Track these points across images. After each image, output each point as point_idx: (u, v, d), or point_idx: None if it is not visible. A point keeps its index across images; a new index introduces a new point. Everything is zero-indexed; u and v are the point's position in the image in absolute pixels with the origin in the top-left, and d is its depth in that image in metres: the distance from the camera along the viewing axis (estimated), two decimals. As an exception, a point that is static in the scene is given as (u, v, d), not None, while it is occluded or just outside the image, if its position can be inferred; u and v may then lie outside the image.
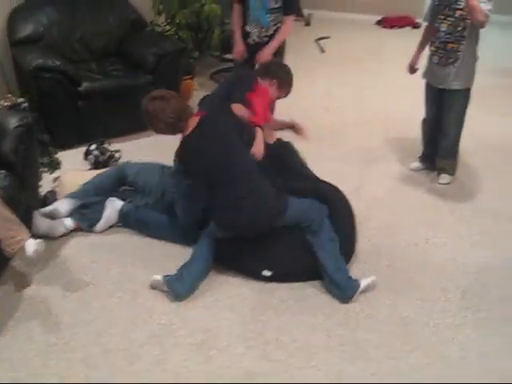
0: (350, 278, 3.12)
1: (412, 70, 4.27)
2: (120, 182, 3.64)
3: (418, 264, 3.44)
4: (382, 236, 3.68)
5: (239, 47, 4.40)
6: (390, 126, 5.29)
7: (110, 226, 3.56)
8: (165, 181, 3.51)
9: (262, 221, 3.07)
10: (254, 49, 4.38)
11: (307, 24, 8.68)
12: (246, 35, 4.39)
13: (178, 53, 4.80)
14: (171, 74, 4.80)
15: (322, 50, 7.49)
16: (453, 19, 3.87)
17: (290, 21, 4.33)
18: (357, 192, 4.09)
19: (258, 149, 3.26)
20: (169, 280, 3.04)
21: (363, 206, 3.90)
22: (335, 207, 3.32)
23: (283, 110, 4.66)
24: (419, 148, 4.56)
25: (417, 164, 4.54)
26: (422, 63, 4.19)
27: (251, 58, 4.38)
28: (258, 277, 3.19)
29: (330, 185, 3.49)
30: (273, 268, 3.17)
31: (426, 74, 4.22)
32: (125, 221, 3.53)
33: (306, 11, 8.86)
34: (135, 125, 4.66)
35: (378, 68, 6.83)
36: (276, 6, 4.24)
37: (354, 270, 3.32)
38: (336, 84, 6.25)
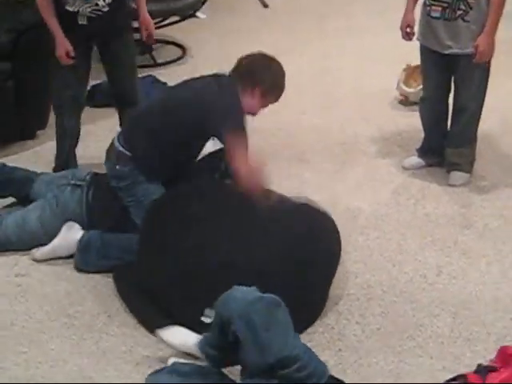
0: None
1: (407, 33, 4.31)
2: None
3: (427, 306, 3.46)
4: (371, 270, 3.71)
5: (63, 45, 4.19)
6: (369, 108, 5.40)
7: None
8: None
9: None
10: (91, 29, 4.25)
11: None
12: (69, 18, 4.21)
13: (45, 26, 4.72)
14: (38, 57, 4.74)
15: (265, 4, 7.61)
16: None
17: None
18: (330, 208, 4.10)
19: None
20: None
21: (341, 229, 3.90)
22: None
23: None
24: (417, 137, 4.67)
25: (415, 160, 4.62)
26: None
27: (89, 40, 4.35)
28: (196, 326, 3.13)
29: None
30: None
31: (422, 34, 4.28)
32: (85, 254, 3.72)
33: None
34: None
35: (347, 25, 7.00)
36: None
37: (333, 326, 3.33)
38: (288, 52, 6.29)
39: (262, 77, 3.67)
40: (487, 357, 3.13)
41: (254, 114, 3.72)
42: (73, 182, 3.86)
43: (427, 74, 4.41)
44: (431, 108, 4.48)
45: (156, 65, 5.93)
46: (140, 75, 5.32)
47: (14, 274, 3.64)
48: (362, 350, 3.20)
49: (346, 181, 4.48)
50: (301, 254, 3.24)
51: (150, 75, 5.45)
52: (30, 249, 3.76)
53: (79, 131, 4.48)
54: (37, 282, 3.59)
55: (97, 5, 4.18)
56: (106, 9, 4.21)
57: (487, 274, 3.68)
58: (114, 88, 4.55)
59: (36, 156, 4.69)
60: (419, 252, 3.85)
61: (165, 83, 5.34)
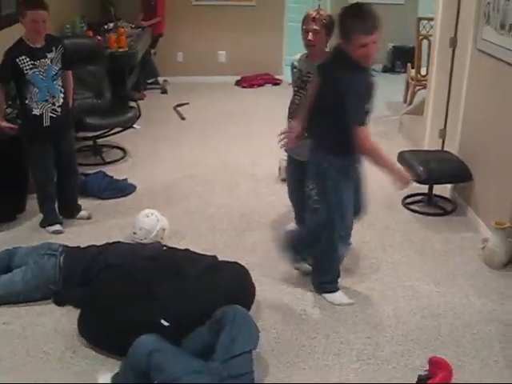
0: None
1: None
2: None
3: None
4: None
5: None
6: (262, 189, 5.52)
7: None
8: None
9: None
10: (51, 130, 4.44)
11: (164, 92, 8.94)
12: (36, 122, 4.37)
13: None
14: (15, 149, 4.60)
15: (182, 117, 7.72)
16: (304, 92, 3.82)
17: (70, 74, 4.64)
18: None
19: None
20: None
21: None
22: None
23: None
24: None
25: (294, 226, 4.60)
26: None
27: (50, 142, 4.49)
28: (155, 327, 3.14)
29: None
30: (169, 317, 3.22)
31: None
32: None
33: (160, 79, 9.14)
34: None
35: (240, 130, 7.22)
36: (57, 68, 4.45)
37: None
38: (201, 151, 6.43)
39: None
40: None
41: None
42: (49, 252, 3.84)
43: (289, 171, 4.41)
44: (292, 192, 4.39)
45: (104, 163, 5.95)
46: (93, 171, 5.40)
47: (2, 322, 3.58)
48: None
49: (244, 244, 4.50)
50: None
51: (101, 171, 5.47)
52: (14, 303, 3.71)
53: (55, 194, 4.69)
54: (19, 327, 3.54)
55: (53, 104, 4.36)
56: (59, 110, 4.42)
57: None
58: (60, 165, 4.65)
59: (18, 235, 4.60)
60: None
61: (111, 176, 5.36)
